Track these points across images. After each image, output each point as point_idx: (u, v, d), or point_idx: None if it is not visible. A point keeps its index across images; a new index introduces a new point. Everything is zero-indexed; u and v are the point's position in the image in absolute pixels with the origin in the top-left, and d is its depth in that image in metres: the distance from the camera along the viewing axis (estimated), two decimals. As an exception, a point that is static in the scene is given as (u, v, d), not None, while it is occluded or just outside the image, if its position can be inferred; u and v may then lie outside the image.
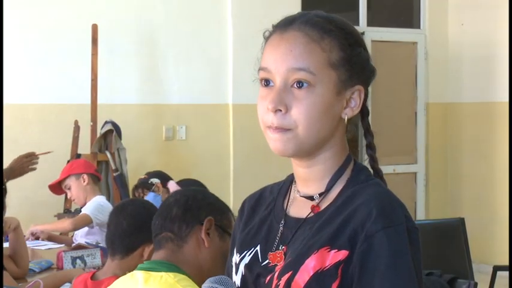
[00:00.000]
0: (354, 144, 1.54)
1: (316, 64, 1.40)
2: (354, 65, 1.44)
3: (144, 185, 4.93)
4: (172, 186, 4.95)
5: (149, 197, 4.85)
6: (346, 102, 1.44)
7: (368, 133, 1.52)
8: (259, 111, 1.43)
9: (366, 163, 1.53)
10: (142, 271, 2.33)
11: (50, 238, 5.00)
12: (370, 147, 1.52)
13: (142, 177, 5.02)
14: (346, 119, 1.45)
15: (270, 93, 1.41)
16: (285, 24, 1.45)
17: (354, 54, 1.44)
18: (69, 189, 4.97)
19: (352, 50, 1.44)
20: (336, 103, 1.43)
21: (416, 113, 7.92)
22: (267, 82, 1.43)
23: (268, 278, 1.44)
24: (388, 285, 1.34)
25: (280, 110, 1.40)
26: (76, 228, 4.97)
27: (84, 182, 4.93)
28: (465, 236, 4.23)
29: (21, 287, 3.55)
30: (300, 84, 1.40)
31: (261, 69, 1.44)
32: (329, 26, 1.43)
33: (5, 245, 4.40)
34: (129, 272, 2.55)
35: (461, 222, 4.27)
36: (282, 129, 1.40)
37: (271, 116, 1.40)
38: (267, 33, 1.47)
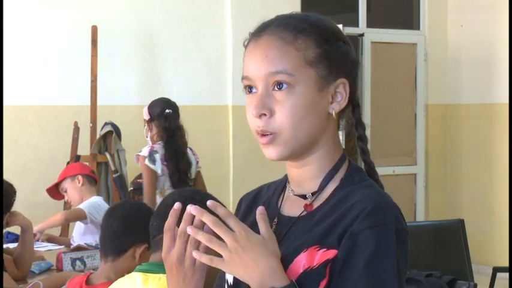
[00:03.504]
0: (351, 138, 1.54)
1: (293, 65, 1.41)
2: (333, 60, 1.44)
3: (141, 191, 4.90)
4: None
5: None
6: (331, 97, 1.45)
7: (359, 125, 1.51)
8: (248, 118, 1.46)
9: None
10: (141, 273, 2.33)
11: (50, 239, 5.00)
12: (361, 139, 1.52)
13: (139, 181, 4.99)
14: (334, 114, 1.45)
15: (254, 100, 1.44)
16: (259, 31, 1.47)
17: (331, 49, 1.44)
18: (65, 192, 4.97)
19: (330, 45, 1.44)
20: (320, 100, 1.43)
21: (415, 114, 7.92)
22: (250, 89, 1.46)
23: None
24: (364, 282, 1.34)
25: (265, 115, 1.42)
26: (68, 220, 4.97)
27: (79, 183, 4.92)
28: (465, 237, 4.23)
29: (20, 289, 3.56)
30: (279, 86, 1.42)
31: (243, 78, 1.47)
32: (301, 25, 1.44)
33: (6, 245, 4.41)
34: (122, 274, 2.55)
35: (460, 223, 4.27)
36: (270, 134, 1.42)
37: (257, 121, 1.43)
38: (246, 42, 1.50)
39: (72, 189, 4.93)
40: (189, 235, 1.41)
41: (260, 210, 1.42)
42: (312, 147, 1.45)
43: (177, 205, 1.47)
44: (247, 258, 1.35)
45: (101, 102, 6.06)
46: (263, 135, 1.42)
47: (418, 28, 8.01)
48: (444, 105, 8.00)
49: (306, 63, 1.42)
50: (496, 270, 4.88)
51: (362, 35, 7.56)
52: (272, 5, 6.67)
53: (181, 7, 6.79)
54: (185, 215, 1.41)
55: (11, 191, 3.97)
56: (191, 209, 1.39)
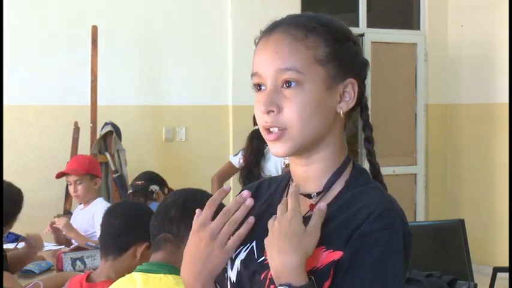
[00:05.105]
0: (353, 140, 1.54)
1: (302, 62, 1.42)
2: (342, 60, 1.45)
3: (146, 195, 4.87)
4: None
5: (152, 206, 4.77)
6: (339, 97, 1.46)
7: (367, 126, 1.52)
8: (256, 114, 1.46)
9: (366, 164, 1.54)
10: (141, 273, 2.33)
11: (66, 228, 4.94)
12: (368, 141, 1.53)
13: (139, 183, 4.94)
14: (341, 113, 1.46)
15: (263, 97, 1.44)
16: (270, 28, 1.48)
17: (341, 49, 1.45)
18: (80, 184, 4.84)
19: (340, 45, 1.46)
20: (328, 98, 1.44)
21: (416, 114, 7.92)
22: (259, 87, 1.46)
23: (263, 274, 1.44)
24: (371, 282, 1.34)
25: (273, 111, 1.42)
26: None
27: (95, 185, 4.88)
28: (465, 237, 4.23)
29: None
30: (288, 83, 1.43)
31: (252, 74, 1.47)
32: (312, 23, 1.45)
33: (6, 245, 4.40)
34: (123, 273, 2.55)
35: (461, 223, 4.27)
36: (278, 130, 1.43)
37: (265, 117, 1.43)
38: (256, 40, 1.50)
39: (87, 187, 4.83)
40: (230, 216, 1.45)
41: (321, 206, 1.42)
42: (319, 145, 1.46)
43: (227, 187, 1.51)
44: (276, 247, 1.36)
45: (101, 102, 6.05)
46: (270, 132, 1.43)
47: (418, 28, 8.01)
48: (444, 105, 8.00)
49: (315, 62, 1.43)
50: (496, 270, 4.88)
51: (362, 35, 7.56)
52: (272, 5, 6.67)
53: (181, 7, 6.79)
54: (238, 197, 1.46)
55: (20, 198, 3.96)
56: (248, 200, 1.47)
